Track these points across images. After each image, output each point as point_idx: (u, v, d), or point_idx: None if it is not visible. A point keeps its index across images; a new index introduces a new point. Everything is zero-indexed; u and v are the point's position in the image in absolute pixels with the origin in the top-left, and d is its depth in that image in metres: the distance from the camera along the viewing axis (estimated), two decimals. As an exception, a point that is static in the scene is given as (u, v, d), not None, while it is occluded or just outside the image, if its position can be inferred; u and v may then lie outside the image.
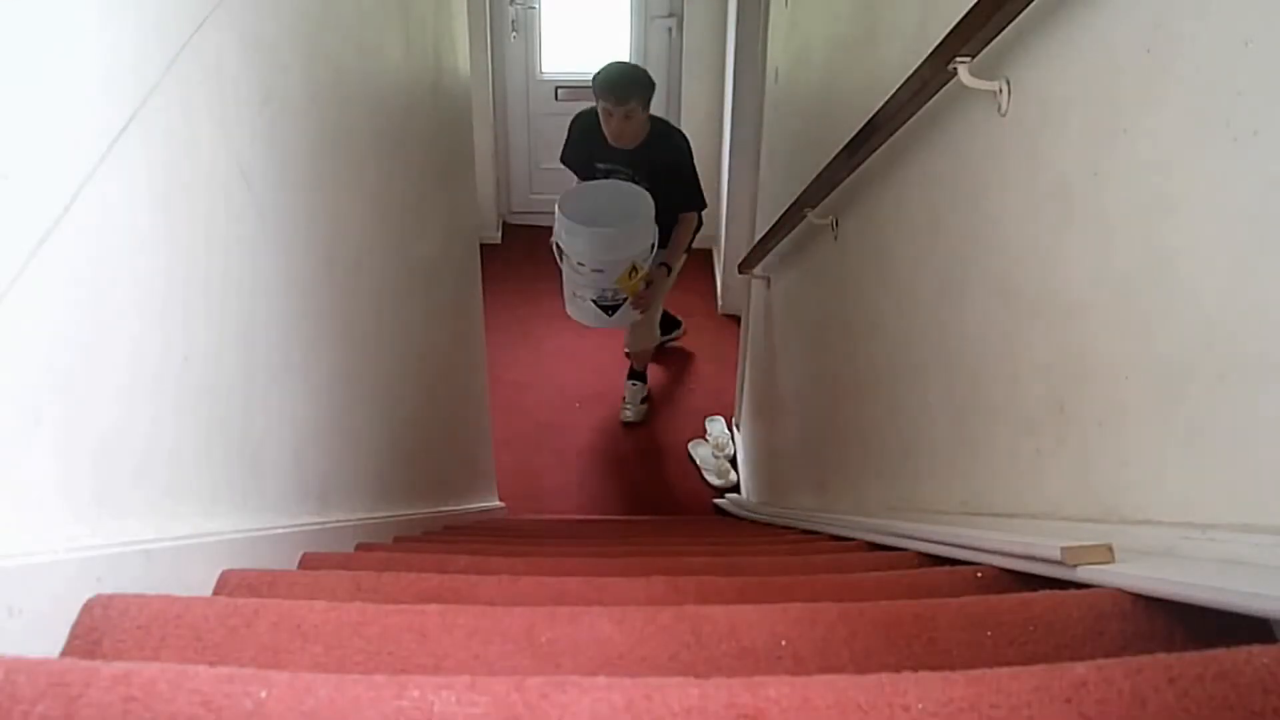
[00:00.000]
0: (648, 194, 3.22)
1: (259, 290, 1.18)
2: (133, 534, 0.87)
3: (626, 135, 3.21)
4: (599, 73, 3.13)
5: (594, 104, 3.31)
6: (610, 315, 3.54)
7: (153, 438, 0.92)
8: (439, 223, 2.76)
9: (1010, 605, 0.84)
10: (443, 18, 2.88)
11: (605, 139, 3.24)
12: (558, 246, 3.31)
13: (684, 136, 3.39)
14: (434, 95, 2.65)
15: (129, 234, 0.85)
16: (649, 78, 3.17)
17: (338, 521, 1.52)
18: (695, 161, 3.43)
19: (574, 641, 0.77)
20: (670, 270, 3.49)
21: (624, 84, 3.12)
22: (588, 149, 3.38)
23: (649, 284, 3.42)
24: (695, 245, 5.31)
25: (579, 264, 3.28)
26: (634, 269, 3.27)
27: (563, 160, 3.56)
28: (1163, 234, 0.88)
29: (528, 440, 4.08)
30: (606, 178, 3.36)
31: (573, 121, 3.47)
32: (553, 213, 3.34)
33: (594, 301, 3.45)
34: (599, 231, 3.19)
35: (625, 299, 3.43)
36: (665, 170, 3.28)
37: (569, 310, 3.66)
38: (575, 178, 3.57)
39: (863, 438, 2.02)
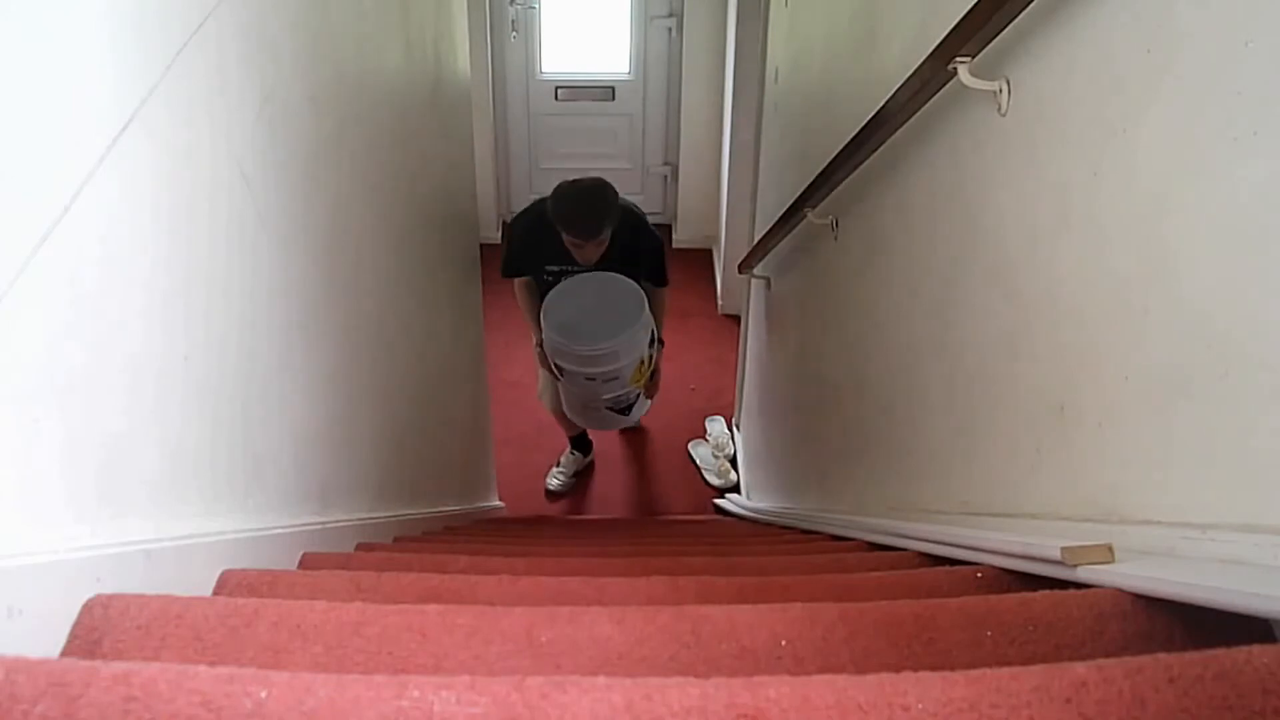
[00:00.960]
0: (632, 281, 2.84)
1: (259, 290, 1.18)
2: (133, 534, 0.87)
3: (592, 259, 2.77)
4: (561, 206, 2.61)
5: (531, 209, 2.90)
6: (628, 415, 3.26)
7: (155, 438, 0.92)
8: (439, 222, 2.76)
9: (1010, 605, 0.84)
10: (443, 18, 2.88)
11: (555, 242, 2.74)
12: (557, 367, 2.92)
13: (645, 218, 2.93)
14: (434, 95, 2.65)
15: (129, 234, 0.85)
16: (615, 194, 2.70)
17: (338, 521, 1.52)
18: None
19: (574, 641, 0.77)
20: (662, 344, 3.13)
21: (596, 219, 2.63)
22: (534, 255, 2.89)
23: (655, 372, 3.11)
24: (695, 245, 5.39)
25: (587, 379, 2.88)
26: (643, 362, 2.93)
27: (505, 273, 2.99)
28: (1162, 234, 0.88)
29: (528, 440, 4.09)
30: (557, 279, 2.89)
31: (511, 227, 2.97)
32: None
33: (609, 408, 3.13)
34: (616, 342, 2.76)
35: (638, 395, 3.15)
36: (636, 261, 2.87)
37: (578, 420, 3.36)
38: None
39: (863, 438, 2.02)
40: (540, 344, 2.98)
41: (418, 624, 0.79)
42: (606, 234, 2.68)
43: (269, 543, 1.19)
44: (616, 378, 2.89)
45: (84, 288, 0.77)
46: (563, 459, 3.94)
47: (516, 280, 2.99)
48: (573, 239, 2.67)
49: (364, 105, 1.76)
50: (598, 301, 2.80)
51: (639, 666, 0.76)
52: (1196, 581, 0.75)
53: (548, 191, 2.82)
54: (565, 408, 3.32)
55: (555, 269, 2.88)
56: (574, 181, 2.64)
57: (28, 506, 0.72)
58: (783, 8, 3.10)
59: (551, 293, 2.84)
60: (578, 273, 2.84)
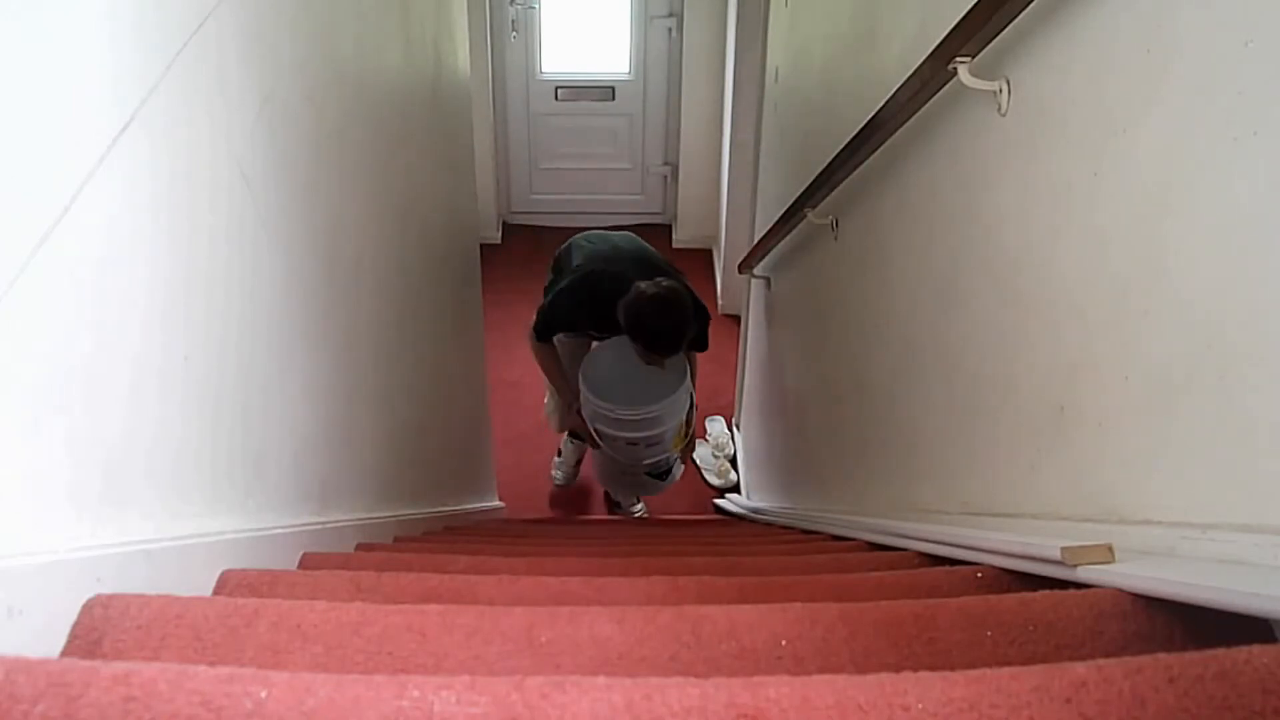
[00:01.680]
0: None
1: (259, 290, 1.18)
2: (134, 534, 0.87)
3: (659, 364, 2.65)
4: (642, 327, 2.44)
5: (573, 260, 2.76)
6: (665, 480, 3.18)
7: (155, 438, 0.92)
8: (439, 222, 2.76)
9: (1010, 605, 0.84)
10: (443, 17, 2.88)
11: (604, 311, 2.56)
12: (597, 431, 2.79)
13: (693, 291, 2.67)
14: (434, 95, 2.65)
15: (129, 234, 0.85)
16: (694, 303, 2.56)
17: (338, 521, 1.52)
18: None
19: (574, 641, 0.77)
20: (696, 407, 3.04)
21: (679, 338, 2.48)
22: (579, 325, 2.79)
23: (691, 436, 3.02)
24: (695, 245, 5.39)
25: (629, 443, 2.77)
26: (682, 426, 2.87)
27: (542, 337, 2.79)
28: (1162, 234, 0.88)
29: (528, 440, 4.08)
30: (600, 340, 2.83)
31: (559, 297, 2.71)
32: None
33: (648, 474, 3.06)
34: (662, 405, 2.66)
35: (676, 458, 3.08)
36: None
37: (614, 487, 3.31)
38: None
39: (863, 438, 2.02)
40: (569, 405, 2.88)
41: (418, 624, 0.79)
42: (670, 359, 2.58)
43: (269, 543, 1.19)
44: (659, 442, 2.79)
45: (84, 288, 0.77)
46: (563, 450, 3.90)
47: (540, 346, 2.83)
48: (647, 357, 2.55)
49: (364, 105, 1.76)
50: (639, 365, 2.67)
51: (639, 666, 0.76)
52: (1196, 581, 0.75)
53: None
54: (600, 477, 3.23)
55: (601, 336, 2.80)
56: (651, 296, 2.44)
57: (28, 506, 0.72)
58: (783, 8, 3.10)
59: (589, 357, 2.74)
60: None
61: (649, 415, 2.66)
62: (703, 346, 2.86)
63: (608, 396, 2.66)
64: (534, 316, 2.79)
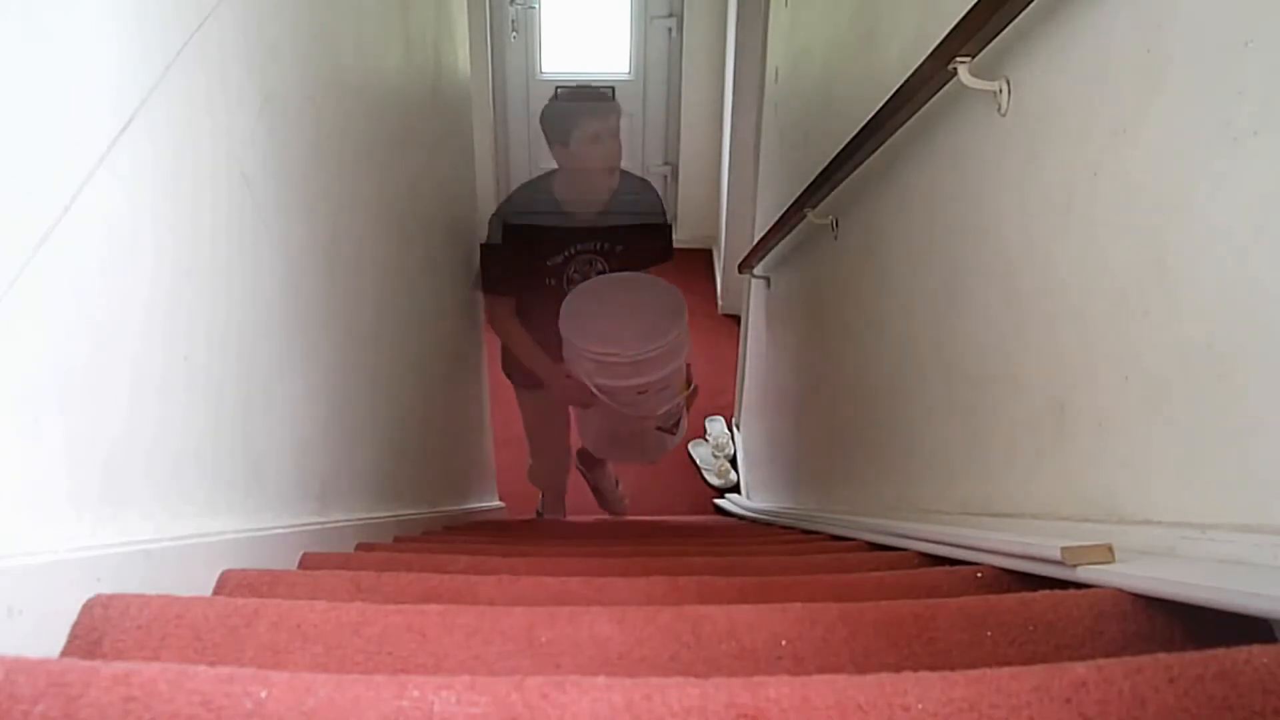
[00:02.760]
0: (644, 275, 2.59)
1: (259, 290, 1.18)
2: (134, 534, 0.87)
3: (614, 156, 2.54)
4: (559, 101, 2.46)
5: (502, 209, 2.68)
6: (675, 432, 2.89)
7: (155, 438, 0.92)
8: (439, 222, 2.76)
9: (1010, 605, 0.84)
10: (443, 18, 2.88)
11: (548, 230, 2.46)
12: (598, 388, 2.50)
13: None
14: (434, 95, 2.65)
15: (129, 234, 0.85)
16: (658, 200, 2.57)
17: (338, 521, 1.52)
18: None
19: (574, 641, 0.77)
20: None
21: (605, 95, 2.49)
22: (525, 251, 2.58)
23: (690, 380, 2.77)
24: (695, 245, 5.39)
25: (639, 392, 2.49)
26: (684, 368, 2.64)
27: (490, 288, 2.71)
28: (1162, 234, 0.88)
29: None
30: (561, 273, 2.58)
31: (492, 222, 2.65)
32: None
33: (659, 428, 2.79)
34: (667, 341, 2.41)
35: (682, 406, 2.78)
36: (645, 221, 2.59)
37: (621, 455, 3.09)
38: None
39: (862, 438, 2.02)
40: (548, 369, 2.65)
41: (418, 624, 0.79)
42: (618, 117, 2.50)
43: (269, 543, 1.19)
44: (668, 385, 2.53)
45: (84, 288, 0.77)
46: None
47: (497, 309, 2.71)
48: (591, 128, 2.45)
49: (364, 105, 1.76)
50: (626, 301, 2.46)
51: (639, 666, 0.76)
52: (1196, 581, 0.75)
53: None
54: (604, 445, 2.93)
55: (558, 258, 2.58)
56: (558, 91, 2.49)
57: (28, 506, 0.72)
58: (783, 8, 3.10)
59: (564, 314, 2.47)
60: (581, 255, 2.57)
61: (657, 352, 2.40)
62: (669, 247, 2.88)
63: (608, 342, 2.39)
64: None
